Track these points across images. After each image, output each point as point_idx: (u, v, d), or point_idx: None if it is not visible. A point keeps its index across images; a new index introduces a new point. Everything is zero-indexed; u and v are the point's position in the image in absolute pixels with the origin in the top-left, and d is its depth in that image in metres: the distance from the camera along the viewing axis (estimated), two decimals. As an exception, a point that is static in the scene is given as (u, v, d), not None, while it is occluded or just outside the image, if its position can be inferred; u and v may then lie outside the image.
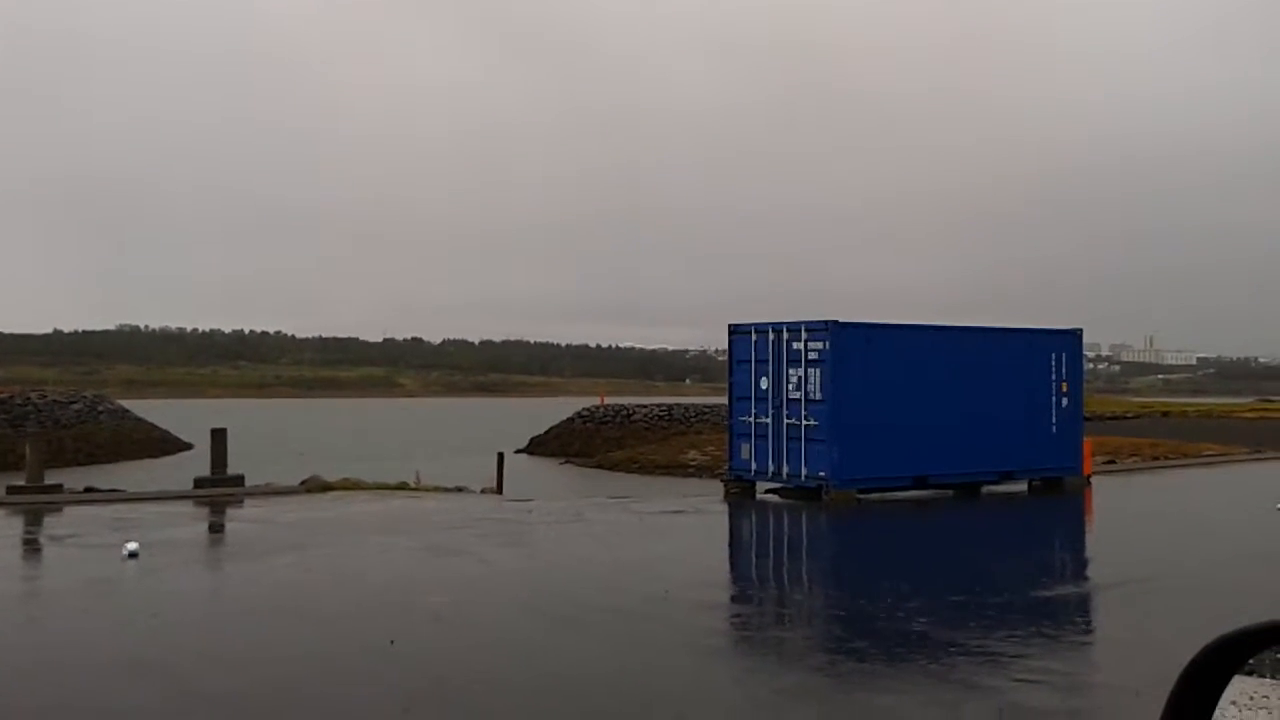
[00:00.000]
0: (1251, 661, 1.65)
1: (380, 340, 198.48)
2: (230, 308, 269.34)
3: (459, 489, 24.52)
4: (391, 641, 9.21)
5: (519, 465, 43.37)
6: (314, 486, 22.64)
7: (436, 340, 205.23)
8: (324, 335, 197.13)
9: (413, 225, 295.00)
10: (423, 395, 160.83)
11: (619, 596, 11.59)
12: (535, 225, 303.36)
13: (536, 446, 60.37)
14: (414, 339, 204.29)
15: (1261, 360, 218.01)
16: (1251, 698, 1.64)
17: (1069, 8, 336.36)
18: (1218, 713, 1.60)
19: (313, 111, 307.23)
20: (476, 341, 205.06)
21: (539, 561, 14.51)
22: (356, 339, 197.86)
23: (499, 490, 26.04)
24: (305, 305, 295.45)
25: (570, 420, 63.22)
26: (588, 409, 64.58)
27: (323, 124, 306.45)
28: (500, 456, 28.94)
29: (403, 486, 23.56)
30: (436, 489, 24.05)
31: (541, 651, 9.21)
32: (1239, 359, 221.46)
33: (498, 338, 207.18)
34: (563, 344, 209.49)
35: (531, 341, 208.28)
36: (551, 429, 63.20)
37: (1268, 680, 1.65)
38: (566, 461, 53.38)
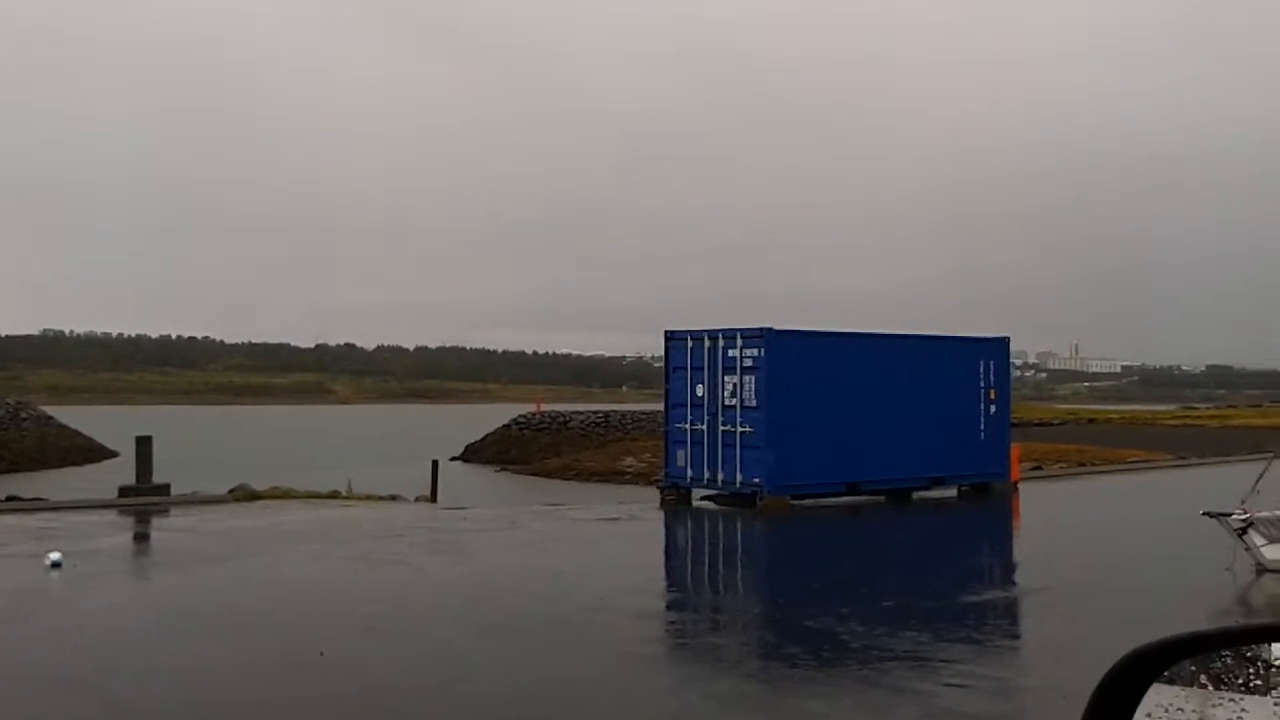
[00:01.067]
0: (1168, 672, 1.70)
1: (312, 346, 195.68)
2: (157, 312, 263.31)
3: (392, 497, 24.25)
4: (321, 652, 9.09)
5: (454, 473, 43.06)
6: (242, 495, 22.24)
7: (370, 346, 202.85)
8: (254, 341, 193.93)
9: (344, 229, 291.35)
10: (356, 402, 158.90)
11: (554, 605, 11.55)
12: (470, 230, 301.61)
13: (472, 454, 59.96)
14: (347, 345, 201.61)
15: (1184, 368, 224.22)
16: (1166, 709, 1.68)
17: (991, 18, 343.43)
18: None
19: (242, 111, 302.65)
20: (411, 348, 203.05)
21: (473, 570, 14.41)
22: (287, 344, 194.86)
23: (433, 498, 25.80)
24: (234, 310, 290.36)
25: (506, 427, 62.91)
26: (524, 416, 64.34)
27: (252, 124, 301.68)
28: (435, 464, 28.69)
29: (334, 495, 23.24)
30: (369, 497, 23.76)
31: (475, 661, 9.15)
32: (1162, 367, 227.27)
33: (433, 344, 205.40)
34: (499, 350, 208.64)
35: (467, 348, 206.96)
36: (487, 436, 62.83)
37: (1183, 690, 1.70)
38: (502, 469, 53.12)
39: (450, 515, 20.42)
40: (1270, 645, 1.73)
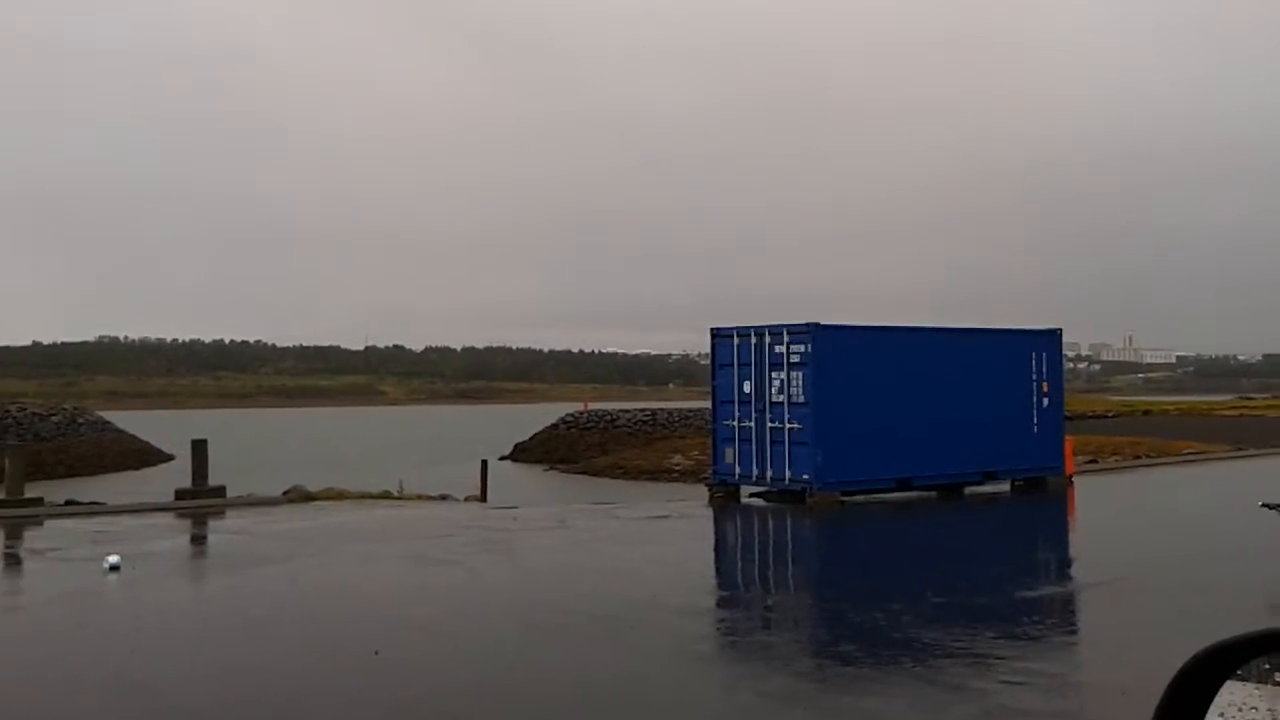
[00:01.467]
0: (1241, 670, 1.65)
1: (362, 348, 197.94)
2: (210, 317, 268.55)
3: (443, 497, 24.43)
4: (376, 652, 9.16)
5: (503, 472, 43.29)
6: (296, 497, 22.51)
7: (418, 348, 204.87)
8: (305, 344, 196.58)
9: (391, 231, 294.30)
10: (405, 403, 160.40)
11: (605, 603, 11.56)
12: (516, 230, 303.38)
13: (520, 453, 60.29)
14: (396, 346, 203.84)
15: (1240, 358, 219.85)
16: (1240, 707, 1.63)
17: (1038, 8, 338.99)
18: None
19: (286, 115, 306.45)
20: (459, 348, 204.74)
21: (524, 569, 14.47)
22: (338, 347, 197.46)
23: (483, 498, 25.97)
24: (285, 314, 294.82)
25: (554, 426, 63.16)
26: (571, 415, 64.56)
27: (296, 128, 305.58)
28: (484, 464, 28.88)
29: (386, 495, 23.45)
30: (420, 497, 23.96)
31: (528, 660, 9.17)
32: (1217, 357, 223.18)
33: (480, 344, 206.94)
34: (545, 350, 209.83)
35: (514, 348, 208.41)
36: (535, 435, 63.12)
37: (1256, 688, 1.64)
38: (551, 468, 53.32)
39: (500, 514, 20.52)
40: None
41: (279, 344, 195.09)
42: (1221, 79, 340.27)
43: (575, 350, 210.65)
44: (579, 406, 69.68)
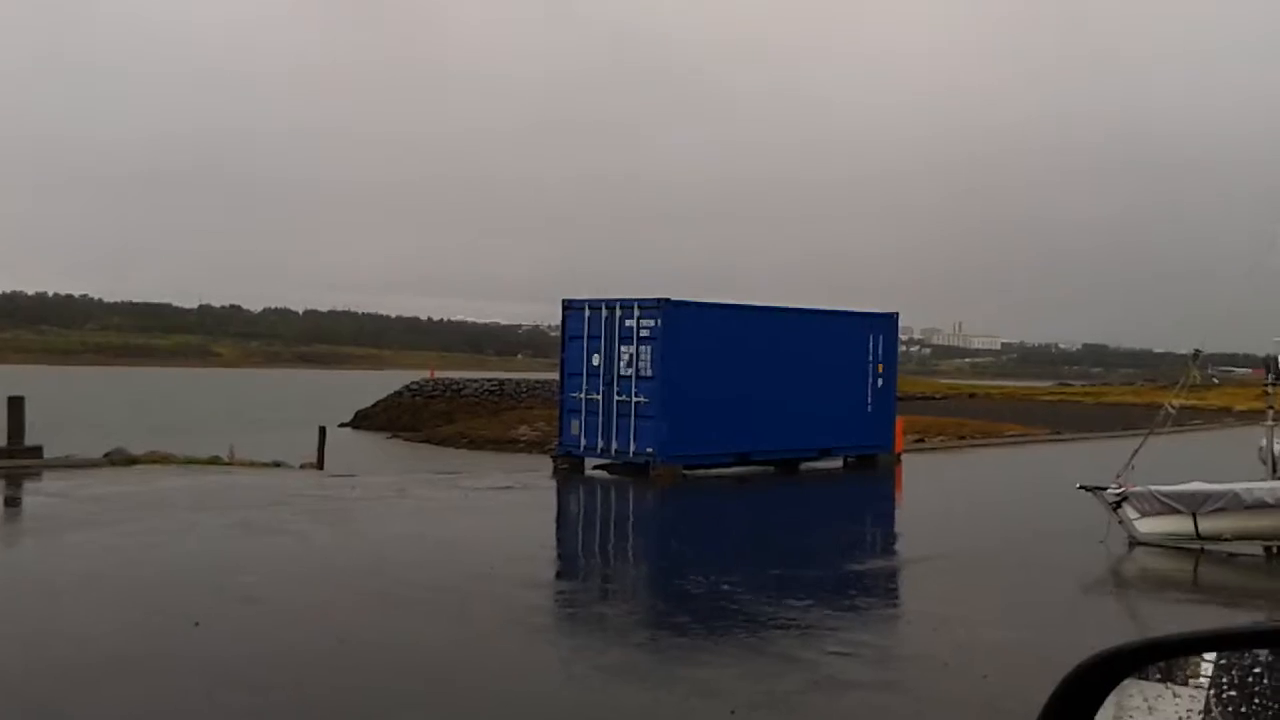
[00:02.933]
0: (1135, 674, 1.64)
1: (195, 307, 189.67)
2: (32, 267, 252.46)
3: (277, 464, 23.65)
4: (197, 623, 8.78)
5: (343, 440, 42.25)
6: (119, 460, 21.43)
7: (257, 309, 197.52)
8: (135, 300, 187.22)
9: (231, 185, 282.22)
10: (241, 365, 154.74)
11: (443, 574, 11.40)
12: (364, 192, 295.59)
13: (362, 420, 58.98)
14: (232, 306, 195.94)
15: (1061, 347, 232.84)
16: (1129, 711, 1.64)
17: (892, 12, 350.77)
18: None
19: (120, 54, 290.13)
20: (300, 311, 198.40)
21: (360, 538, 14.14)
22: (170, 305, 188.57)
23: (320, 465, 25.25)
24: (114, 267, 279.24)
25: (398, 394, 62.02)
26: (416, 383, 63.51)
27: (132, 67, 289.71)
28: (322, 430, 28.06)
29: (215, 461, 22.55)
30: (252, 464, 23.13)
31: (360, 630, 8.95)
32: (1040, 345, 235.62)
33: (323, 307, 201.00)
34: (392, 315, 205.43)
35: (359, 312, 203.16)
36: (378, 403, 61.85)
37: (1146, 690, 1.64)
38: (394, 436, 52.37)
39: (337, 483, 20.00)
40: (1249, 649, 1.67)
41: (107, 299, 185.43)
42: (1060, 83, 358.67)
43: (423, 318, 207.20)
44: (425, 374, 68.59)
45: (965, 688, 7.61)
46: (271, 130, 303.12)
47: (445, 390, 60.70)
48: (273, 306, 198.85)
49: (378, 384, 68.19)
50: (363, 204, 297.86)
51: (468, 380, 63.80)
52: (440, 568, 11.75)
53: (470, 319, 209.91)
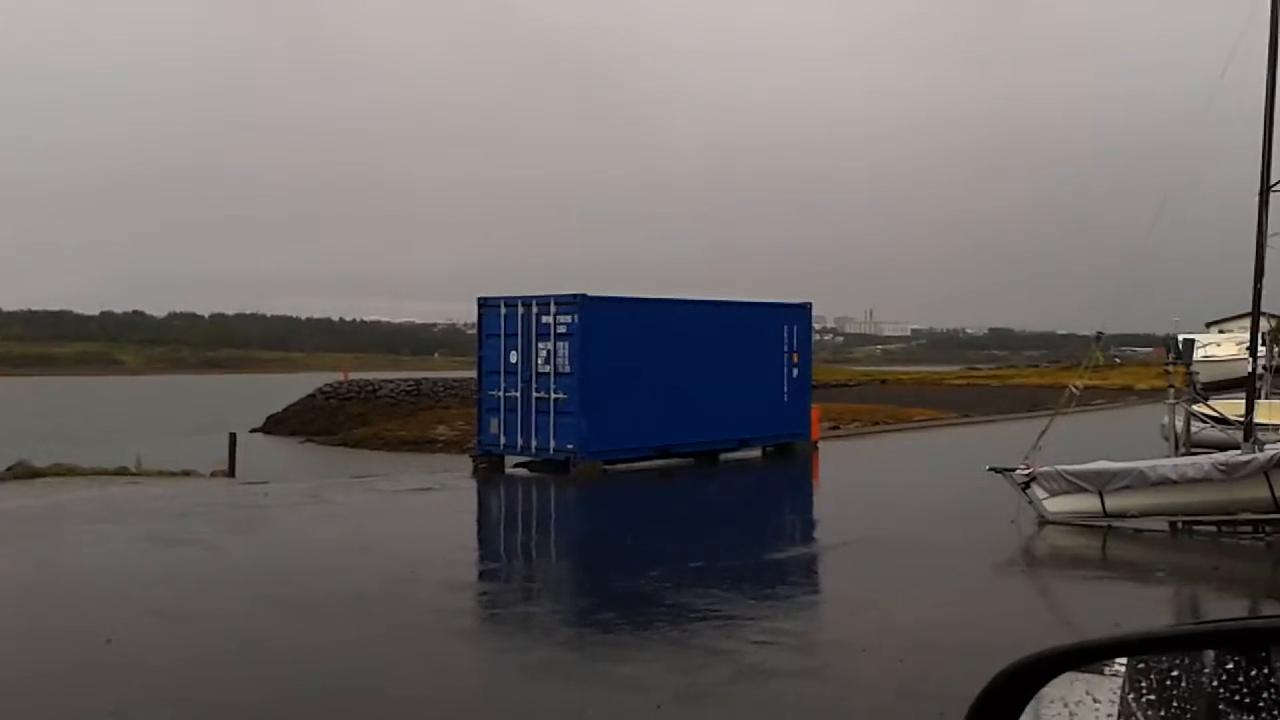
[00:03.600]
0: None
1: (97, 313, 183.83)
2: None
3: (186, 473, 23.08)
4: (109, 640, 8.53)
5: (255, 445, 41.29)
6: (21, 473, 20.72)
7: (161, 314, 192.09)
8: (33, 308, 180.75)
9: (131, 186, 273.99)
10: (146, 373, 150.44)
11: (361, 580, 11.22)
12: (273, 190, 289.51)
13: (274, 425, 57.71)
14: (135, 312, 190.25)
15: (968, 331, 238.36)
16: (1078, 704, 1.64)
17: (796, 14, 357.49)
18: None
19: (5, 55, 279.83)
20: (207, 315, 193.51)
21: (274, 547, 13.85)
22: (70, 312, 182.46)
23: (231, 473, 24.67)
24: (11, 275, 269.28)
25: (311, 397, 60.86)
26: (330, 385, 62.40)
27: (24, 69, 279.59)
28: (232, 437, 27.40)
29: (122, 472, 21.93)
30: (161, 474, 22.53)
31: (277, 641, 8.78)
32: (948, 330, 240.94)
33: (230, 310, 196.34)
34: (303, 317, 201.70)
35: (269, 315, 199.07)
36: (291, 407, 60.61)
37: (1065, 689, 1.64)
38: (307, 440, 51.35)
39: (249, 490, 19.58)
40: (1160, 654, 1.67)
41: (3, 308, 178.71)
42: (965, 81, 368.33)
43: (335, 318, 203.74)
44: (338, 376, 67.47)
45: (882, 671, 7.75)
46: (172, 128, 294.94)
47: (360, 392, 59.76)
48: (177, 311, 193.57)
49: (290, 387, 66.86)
50: (270, 202, 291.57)
51: (383, 381, 62.90)
52: (358, 573, 11.57)
53: (385, 319, 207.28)
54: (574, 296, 20.70)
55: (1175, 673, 1.60)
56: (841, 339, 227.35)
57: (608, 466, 20.66)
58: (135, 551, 13.15)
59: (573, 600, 11.11)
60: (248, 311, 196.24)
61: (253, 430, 51.84)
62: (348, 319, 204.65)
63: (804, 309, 24.85)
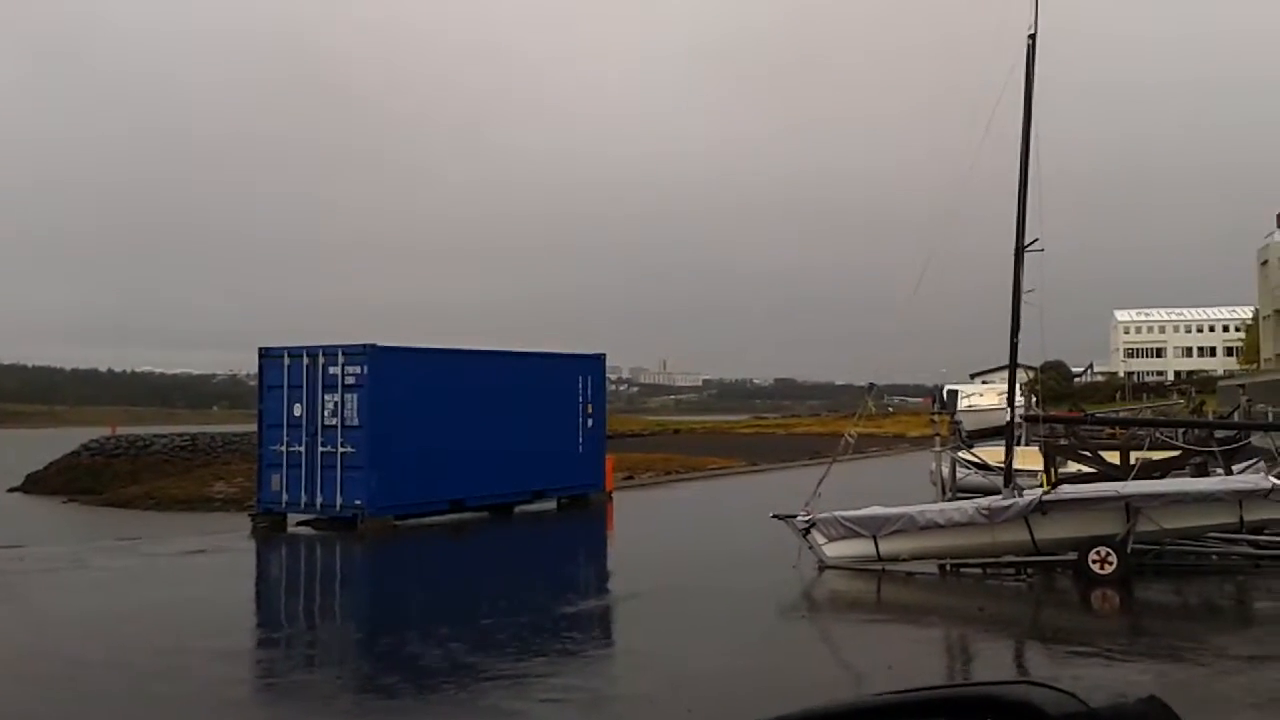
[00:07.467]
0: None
1: None
2: None
3: (-73, 539, 21.00)
4: None
5: (11, 505, 38.37)
6: None
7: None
8: None
9: None
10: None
11: (124, 651, 10.46)
12: (34, 234, 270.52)
13: (33, 484, 53.47)
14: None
15: (755, 381, 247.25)
16: None
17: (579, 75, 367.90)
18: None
19: None
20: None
21: (29, 617, 12.74)
22: None
23: (-19, 537, 22.65)
24: None
25: (75, 454, 56.77)
26: (96, 440, 58.44)
27: None
28: (-17, 498, 25.25)
29: None
30: (-104, 540, 20.42)
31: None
32: (737, 380, 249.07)
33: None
34: (67, 369, 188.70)
35: (29, 365, 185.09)
36: (52, 464, 56.35)
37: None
38: (70, 500, 47.83)
39: (3, 555, 18.00)
40: None
41: None
42: (753, 145, 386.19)
43: (103, 369, 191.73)
44: (106, 431, 63.32)
45: (672, 723, 7.79)
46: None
47: (129, 448, 56.23)
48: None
49: (53, 443, 62.22)
50: (25, 246, 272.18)
51: (155, 436, 59.37)
52: (121, 645, 10.78)
53: (158, 370, 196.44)
54: (362, 346, 20.18)
55: None
56: (636, 389, 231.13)
57: (398, 522, 20.11)
58: None
59: (355, 665, 10.68)
60: (6, 362, 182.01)
61: (10, 489, 48.23)
62: (117, 370, 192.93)
63: (598, 359, 25.07)
